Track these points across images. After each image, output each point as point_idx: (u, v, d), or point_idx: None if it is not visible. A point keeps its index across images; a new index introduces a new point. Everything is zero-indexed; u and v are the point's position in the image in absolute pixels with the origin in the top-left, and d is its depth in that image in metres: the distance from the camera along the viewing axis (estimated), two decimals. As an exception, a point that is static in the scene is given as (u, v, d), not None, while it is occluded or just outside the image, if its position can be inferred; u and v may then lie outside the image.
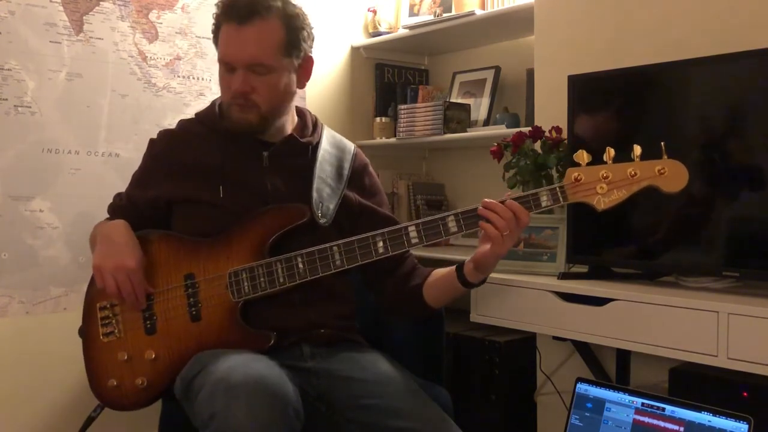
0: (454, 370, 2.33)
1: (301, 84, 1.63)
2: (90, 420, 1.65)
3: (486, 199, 1.44)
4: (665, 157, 1.41)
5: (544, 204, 1.45)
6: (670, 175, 1.41)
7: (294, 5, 1.58)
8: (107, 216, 1.75)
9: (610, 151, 1.43)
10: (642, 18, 1.97)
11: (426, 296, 1.62)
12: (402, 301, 1.66)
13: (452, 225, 1.47)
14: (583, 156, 1.44)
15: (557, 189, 1.45)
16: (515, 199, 1.45)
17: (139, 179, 1.71)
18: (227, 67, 1.55)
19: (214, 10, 1.58)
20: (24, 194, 2.20)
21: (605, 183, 1.43)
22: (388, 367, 1.57)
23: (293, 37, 1.56)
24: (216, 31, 1.58)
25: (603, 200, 1.43)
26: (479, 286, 1.57)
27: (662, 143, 1.41)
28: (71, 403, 2.26)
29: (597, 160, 1.44)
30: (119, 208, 1.72)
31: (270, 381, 1.31)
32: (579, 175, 1.44)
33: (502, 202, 1.44)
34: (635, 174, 1.41)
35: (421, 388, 1.53)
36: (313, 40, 1.63)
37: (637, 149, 1.42)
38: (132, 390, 1.55)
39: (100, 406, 1.62)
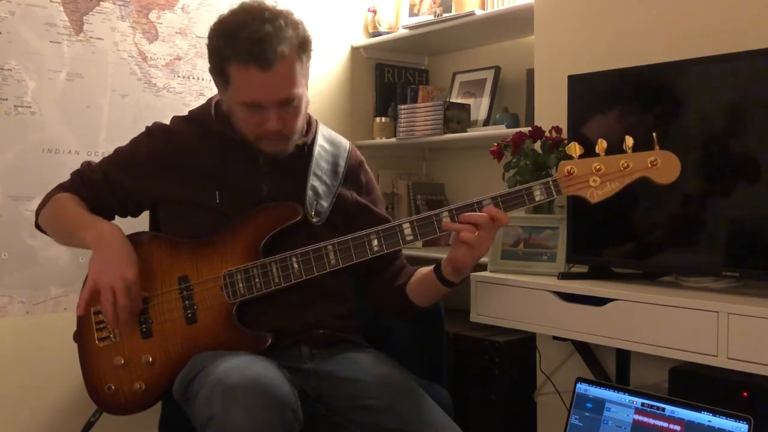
0: (454, 370, 2.33)
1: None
2: (89, 425, 1.65)
3: (464, 213, 1.43)
4: (657, 148, 1.40)
5: (537, 198, 1.44)
6: (663, 167, 1.39)
7: (300, 25, 1.52)
8: (69, 180, 1.68)
9: (602, 143, 1.41)
10: (642, 18, 1.97)
11: (411, 296, 1.62)
12: (388, 300, 1.67)
13: (447, 221, 1.45)
14: (575, 148, 1.43)
15: (550, 183, 1.43)
16: (508, 194, 1.44)
17: (126, 164, 1.65)
18: (255, 108, 1.50)
19: (210, 25, 1.51)
20: (24, 194, 2.20)
21: (598, 176, 1.41)
22: (388, 367, 1.57)
23: (306, 59, 1.53)
24: (221, 66, 1.50)
25: (596, 193, 1.42)
26: (459, 285, 1.55)
27: (654, 134, 1.40)
28: (71, 403, 2.26)
29: (590, 152, 1.42)
30: (90, 181, 1.65)
31: (268, 382, 1.31)
32: (572, 168, 1.42)
33: (478, 203, 1.43)
34: (628, 166, 1.40)
35: (421, 388, 1.53)
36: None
37: (629, 141, 1.40)
38: (130, 394, 1.55)
39: (99, 411, 1.61)
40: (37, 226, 1.72)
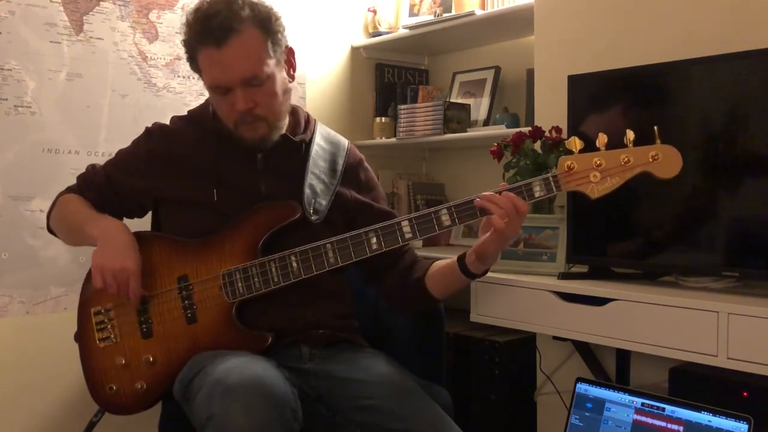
0: (454, 370, 2.33)
1: (291, 77, 1.60)
2: (92, 425, 1.65)
3: (484, 193, 1.43)
4: (659, 142, 1.38)
5: (537, 194, 1.43)
6: (664, 161, 1.37)
7: (261, 6, 1.52)
8: (75, 183, 1.71)
9: (603, 137, 1.40)
10: (642, 18, 1.96)
11: (429, 288, 1.61)
12: (405, 294, 1.65)
13: (445, 218, 1.46)
14: (575, 143, 1.42)
15: (550, 178, 1.43)
16: (508, 189, 1.43)
17: (127, 165, 1.67)
18: (222, 90, 1.51)
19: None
20: (24, 194, 2.20)
21: (598, 171, 1.40)
22: (388, 367, 1.57)
23: (272, 37, 1.52)
24: (192, 57, 1.53)
25: (596, 188, 1.41)
26: (481, 277, 1.56)
27: (655, 127, 1.38)
28: (71, 402, 2.26)
29: (590, 147, 1.42)
30: (94, 185, 1.68)
31: (267, 382, 1.31)
32: (572, 163, 1.41)
33: (499, 193, 1.43)
34: (628, 161, 1.38)
35: (421, 388, 1.53)
36: (284, 29, 1.57)
37: (630, 134, 1.39)
38: (131, 394, 1.55)
39: (101, 411, 1.62)
40: (50, 230, 1.76)
